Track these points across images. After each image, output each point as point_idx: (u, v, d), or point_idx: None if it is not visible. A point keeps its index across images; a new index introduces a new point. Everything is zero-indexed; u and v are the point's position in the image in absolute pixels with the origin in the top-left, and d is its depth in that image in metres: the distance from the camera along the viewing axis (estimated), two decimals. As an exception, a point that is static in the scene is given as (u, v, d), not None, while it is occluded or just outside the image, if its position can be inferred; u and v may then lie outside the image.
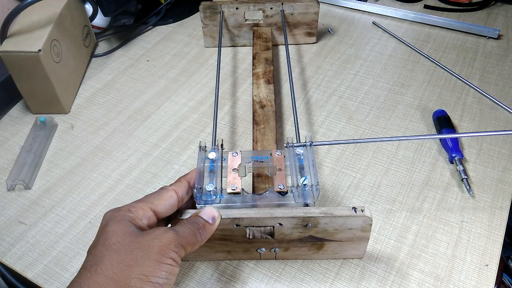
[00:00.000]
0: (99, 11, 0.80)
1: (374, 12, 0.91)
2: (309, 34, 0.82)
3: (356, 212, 0.43)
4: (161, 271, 0.35)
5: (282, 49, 0.83)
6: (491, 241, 0.51)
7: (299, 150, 0.51)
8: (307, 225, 0.44)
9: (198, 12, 0.83)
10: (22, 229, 0.55)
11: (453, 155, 0.59)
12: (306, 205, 0.47)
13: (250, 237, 0.45)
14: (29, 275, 0.50)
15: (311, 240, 0.46)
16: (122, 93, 0.75)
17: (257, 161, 0.52)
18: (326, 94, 0.72)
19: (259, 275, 0.49)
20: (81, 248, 0.52)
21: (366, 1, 0.92)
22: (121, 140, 0.66)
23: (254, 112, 0.63)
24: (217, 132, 0.66)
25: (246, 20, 0.80)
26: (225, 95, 0.73)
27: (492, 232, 0.52)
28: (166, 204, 0.42)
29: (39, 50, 0.62)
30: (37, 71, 0.64)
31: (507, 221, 0.53)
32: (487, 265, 0.49)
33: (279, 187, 0.48)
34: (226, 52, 0.83)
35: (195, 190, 0.46)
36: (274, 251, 0.48)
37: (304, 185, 0.47)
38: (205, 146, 0.51)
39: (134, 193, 0.58)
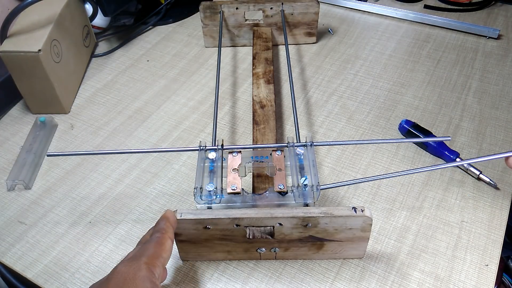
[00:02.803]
0: (99, 11, 0.80)
1: (374, 12, 0.91)
2: (309, 34, 0.82)
3: (356, 212, 0.43)
4: None
5: (282, 49, 0.83)
6: (491, 241, 0.51)
7: (300, 150, 0.51)
8: (307, 225, 0.44)
9: (198, 12, 0.83)
10: (22, 229, 0.55)
11: (452, 156, 0.59)
12: (306, 205, 0.47)
13: (250, 237, 0.45)
14: (29, 275, 0.50)
15: (311, 240, 0.46)
16: (122, 93, 0.75)
17: (257, 161, 0.52)
18: (326, 94, 0.72)
19: (259, 275, 0.49)
20: (81, 248, 0.52)
21: (366, 1, 0.92)
22: (121, 140, 0.66)
23: (254, 112, 0.63)
24: (217, 132, 0.66)
25: (246, 20, 0.80)
26: (225, 95, 0.73)
27: (492, 232, 0.52)
28: (170, 254, 0.42)
29: (39, 50, 0.62)
30: (37, 71, 0.64)
31: (507, 221, 0.53)
32: (487, 265, 0.49)
33: (279, 187, 0.48)
34: (226, 52, 0.83)
35: (194, 190, 0.46)
36: (274, 251, 0.48)
37: (305, 185, 0.47)
38: (205, 146, 0.51)
39: (134, 193, 0.58)
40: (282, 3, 0.78)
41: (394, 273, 0.49)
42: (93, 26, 0.84)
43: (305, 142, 0.51)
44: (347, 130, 0.66)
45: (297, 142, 0.52)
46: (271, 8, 0.78)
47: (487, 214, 0.54)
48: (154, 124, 0.68)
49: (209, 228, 0.44)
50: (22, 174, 0.60)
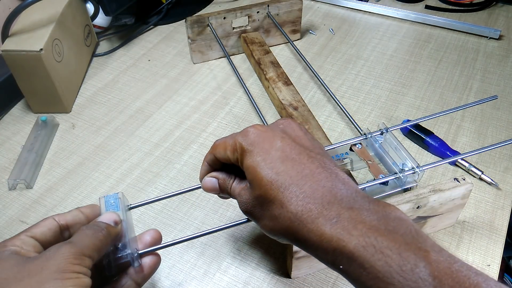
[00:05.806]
0: (100, 10, 0.80)
1: (375, 12, 0.91)
2: (294, 32, 0.82)
3: (459, 182, 0.45)
4: None
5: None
6: (492, 241, 0.51)
7: (378, 138, 0.51)
8: (418, 207, 0.44)
9: (199, 12, 0.82)
10: (24, 228, 0.54)
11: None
12: (407, 189, 0.47)
13: None
14: (31, 274, 0.50)
15: (417, 221, 0.47)
16: (123, 92, 0.75)
17: (338, 159, 0.51)
18: (327, 94, 0.72)
19: (262, 276, 0.49)
20: (82, 247, 0.52)
21: (367, 2, 0.92)
22: (122, 140, 0.66)
23: (290, 116, 0.62)
24: (218, 132, 0.66)
25: (233, 28, 0.78)
26: (226, 94, 0.73)
27: (493, 232, 0.52)
28: (45, 230, 0.38)
29: (41, 49, 0.62)
30: (39, 70, 0.64)
31: (509, 221, 0.53)
32: (489, 265, 0.49)
33: (381, 177, 0.48)
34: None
35: None
36: None
37: (402, 170, 0.47)
38: None
39: (135, 192, 0.58)
40: (268, 5, 0.77)
41: (396, 273, 0.49)
42: (94, 26, 0.84)
43: (380, 129, 0.52)
44: (348, 130, 0.66)
45: (374, 132, 0.52)
46: (258, 12, 0.78)
47: (488, 214, 0.54)
48: (155, 124, 0.68)
49: None
50: (24, 173, 0.60)
